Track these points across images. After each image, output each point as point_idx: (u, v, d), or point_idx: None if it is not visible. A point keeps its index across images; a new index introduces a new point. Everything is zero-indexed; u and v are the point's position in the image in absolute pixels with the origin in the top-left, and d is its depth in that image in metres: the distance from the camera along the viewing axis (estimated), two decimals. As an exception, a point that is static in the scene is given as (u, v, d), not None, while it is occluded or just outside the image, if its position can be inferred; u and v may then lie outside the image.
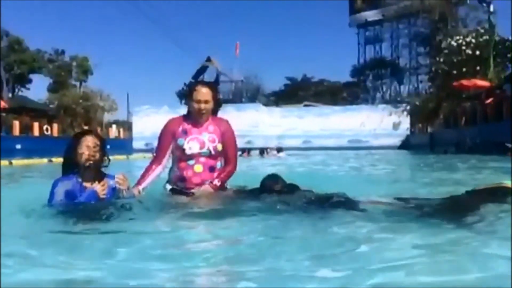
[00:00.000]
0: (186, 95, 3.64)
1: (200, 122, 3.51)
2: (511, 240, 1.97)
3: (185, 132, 3.50)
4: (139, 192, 3.36)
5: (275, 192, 3.27)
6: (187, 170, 3.48)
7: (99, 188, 3.04)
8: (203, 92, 3.48)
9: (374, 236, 2.30)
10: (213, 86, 3.65)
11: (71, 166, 3.12)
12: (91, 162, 3.08)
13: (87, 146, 3.08)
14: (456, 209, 2.90)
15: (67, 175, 3.13)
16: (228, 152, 3.59)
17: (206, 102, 3.47)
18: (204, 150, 3.47)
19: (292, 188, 3.35)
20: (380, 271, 1.69)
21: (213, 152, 3.49)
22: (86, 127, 33.81)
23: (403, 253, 1.96)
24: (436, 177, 7.42)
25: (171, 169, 3.62)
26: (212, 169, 3.51)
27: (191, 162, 3.47)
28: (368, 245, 2.12)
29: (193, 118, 3.52)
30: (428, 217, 2.76)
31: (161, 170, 3.58)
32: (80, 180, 3.09)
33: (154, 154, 3.70)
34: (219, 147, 3.52)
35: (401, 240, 2.21)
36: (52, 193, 3.05)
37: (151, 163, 3.58)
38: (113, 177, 3.16)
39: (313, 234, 2.40)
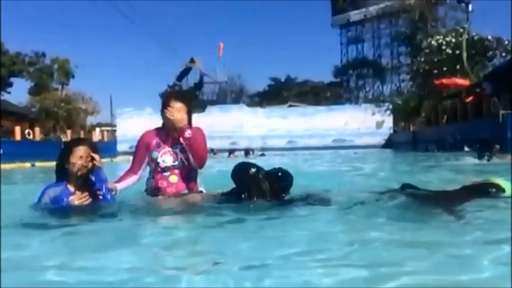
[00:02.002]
0: (161, 106, 3.62)
1: (174, 135, 3.55)
2: (511, 239, 1.99)
3: (159, 145, 3.56)
4: (115, 188, 3.41)
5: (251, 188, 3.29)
6: (162, 180, 3.56)
7: (75, 198, 3.07)
8: (177, 107, 3.51)
9: (358, 231, 2.36)
10: (187, 99, 3.68)
11: (63, 173, 3.15)
12: (83, 172, 3.10)
13: (80, 157, 3.10)
14: (445, 204, 2.97)
15: (59, 181, 3.17)
16: (195, 147, 3.51)
17: (179, 116, 3.51)
18: (177, 162, 3.55)
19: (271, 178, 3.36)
20: (367, 267, 1.72)
21: (186, 163, 3.55)
22: (69, 131, 33.42)
23: (392, 248, 2.01)
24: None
25: (148, 179, 3.69)
26: (186, 178, 3.58)
27: (166, 173, 3.56)
28: (352, 240, 2.17)
29: (167, 130, 3.57)
30: (416, 211, 2.83)
31: (136, 180, 3.65)
32: (69, 187, 3.12)
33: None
34: (191, 157, 3.55)
35: (389, 237, 2.25)
36: (39, 199, 3.10)
37: (128, 171, 3.65)
38: (101, 183, 3.19)
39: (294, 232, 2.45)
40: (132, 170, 3.63)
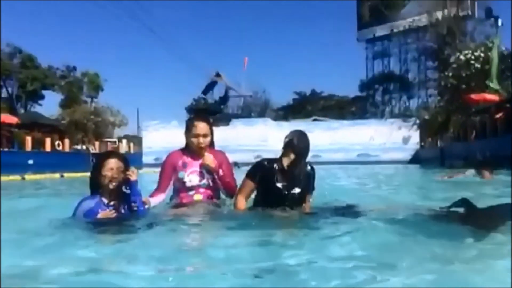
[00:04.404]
0: (185, 129, 3.77)
1: (199, 155, 3.67)
2: (511, 242, 2.02)
3: (185, 165, 3.69)
4: (149, 202, 3.54)
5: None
6: (186, 198, 3.69)
7: (103, 214, 3.14)
8: (201, 127, 3.66)
9: (388, 245, 2.37)
10: (208, 120, 3.81)
11: (96, 186, 3.24)
12: (115, 184, 3.19)
13: (111, 169, 3.20)
14: (481, 221, 2.90)
15: (94, 194, 3.26)
16: (227, 181, 3.72)
17: (204, 136, 3.66)
18: (204, 182, 3.69)
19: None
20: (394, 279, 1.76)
21: (211, 184, 3.70)
22: (97, 142, 34.14)
23: (419, 263, 2.03)
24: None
25: (172, 196, 3.82)
26: (210, 197, 3.72)
27: (191, 192, 3.69)
28: (379, 253, 2.19)
29: (192, 151, 3.70)
30: (450, 226, 2.80)
31: (164, 198, 3.78)
32: (103, 199, 3.21)
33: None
34: (217, 178, 3.70)
35: (419, 250, 2.26)
36: (74, 212, 3.19)
37: (156, 190, 3.78)
38: (136, 195, 3.27)
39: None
40: (159, 189, 3.75)
